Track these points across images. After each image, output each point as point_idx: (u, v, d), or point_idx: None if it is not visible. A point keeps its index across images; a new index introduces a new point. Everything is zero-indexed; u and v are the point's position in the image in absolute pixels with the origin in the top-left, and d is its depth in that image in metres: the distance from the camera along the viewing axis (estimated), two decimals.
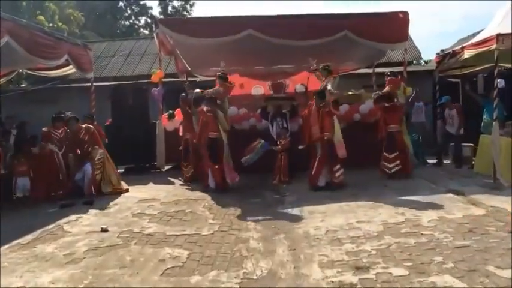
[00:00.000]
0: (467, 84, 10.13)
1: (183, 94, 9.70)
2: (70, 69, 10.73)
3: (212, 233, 5.37)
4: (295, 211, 6.40)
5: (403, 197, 6.79)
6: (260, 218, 6.05)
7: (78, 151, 7.99)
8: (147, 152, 10.84)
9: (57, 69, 10.73)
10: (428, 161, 10.37)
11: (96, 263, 4.44)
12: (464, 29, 67.99)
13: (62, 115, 8.30)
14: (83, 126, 8.26)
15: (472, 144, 10.53)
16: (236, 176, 7.94)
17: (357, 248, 4.63)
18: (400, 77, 9.91)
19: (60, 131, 8.14)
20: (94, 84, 11.87)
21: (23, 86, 18.99)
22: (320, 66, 9.22)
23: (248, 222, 5.85)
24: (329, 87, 8.56)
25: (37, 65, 9.77)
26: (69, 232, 5.46)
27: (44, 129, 8.26)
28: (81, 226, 5.73)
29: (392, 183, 7.99)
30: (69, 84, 16.14)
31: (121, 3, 35.37)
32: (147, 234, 5.29)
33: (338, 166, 7.84)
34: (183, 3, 35.45)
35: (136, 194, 7.83)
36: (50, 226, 5.71)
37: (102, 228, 5.42)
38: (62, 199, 7.28)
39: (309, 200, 7.06)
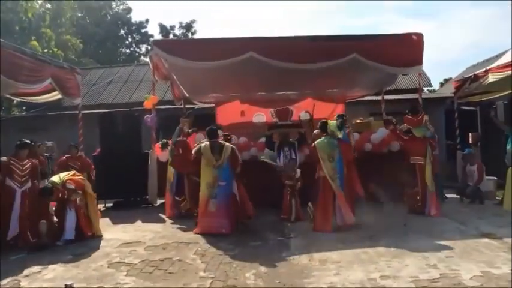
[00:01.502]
0: (491, 111, 9.21)
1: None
2: (57, 95, 9.89)
3: None
4: (303, 259, 5.39)
5: (430, 242, 5.78)
6: (262, 269, 5.03)
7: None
8: (138, 185, 9.87)
9: (42, 94, 9.93)
10: (447, 195, 9.36)
11: None
12: (465, 58, 67.96)
13: (29, 142, 6.96)
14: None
15: (495, 178, 9.60)
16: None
17: None
18: (421, 115, 8.44)
19: (24, 162, 6.63)
20: (83, 111, 11.18)
21: (14, 113, 18.29)
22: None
23: (247, 275, 4.83)
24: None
25: (18, 90, 8.89)
26: None
27: (4, 158, 6.92)
28: (42, 281, 4.71)
29: (413, 222, 6.98)
30: (61, 111, 15.38)
31: (122, 31, 35.16)
32: None
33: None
34: (185, 31, 35.18)
35: (119, 235, 6.83)
36: (5, 282, 4.69)
37: (65, 285, 4.40)
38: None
39: (319, 243, 6.05)
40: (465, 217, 7.34)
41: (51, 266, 5.24)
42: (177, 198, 8.36)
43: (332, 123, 7.41)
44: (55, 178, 6.71)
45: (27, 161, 6.60)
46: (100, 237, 6.76)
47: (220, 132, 9.11)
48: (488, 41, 66.26)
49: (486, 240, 5.81)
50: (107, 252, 5.86)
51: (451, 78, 28.24)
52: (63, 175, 6.78)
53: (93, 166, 9.29)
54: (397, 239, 5.97)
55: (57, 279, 4.74)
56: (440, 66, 65.72)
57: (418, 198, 7.72)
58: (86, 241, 6.45)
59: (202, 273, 4.89)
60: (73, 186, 6.63)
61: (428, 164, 7.81)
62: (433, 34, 62.32)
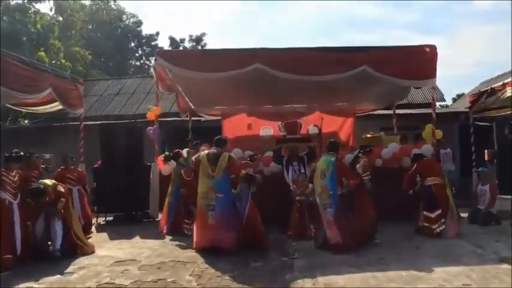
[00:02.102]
0: (507, 129, 8.77)
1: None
2: (58, 105, 9.65)
3: None
4: (306, 283, 4.98)
5: (445, 267, 5.33)
6: None
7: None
8: (139, 199, 9.55)
9: (43, 104, 9.72)
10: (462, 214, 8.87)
11: None
12: (476, 75, 67.30)
13: (19, 153, 6.70)
14: None
15: None
16: None
17: None
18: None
19: (13, 173, 6.31)
20: (86, 123, 10.99)
21: (21, 124, 18.17)
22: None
23: None
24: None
25: (16, 100, 8.65)
26: None
27: None
28: None
29: (426, 245, 6.56)
30: (67, 122, 15.19)
31: (132, 44, 35.29)
32: None
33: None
34: (195, 44, 35.18)
35: (114, 253, 6.49)
36: None
37: None
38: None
39: (324, 264, 5.64)
40: (482, 240, 6.85)
41: (36, 287, 4.91)
42: (186, 221, 7.82)
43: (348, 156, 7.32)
44: (46, 181, 6.55)
45: (15, 172, 6.31)
46: (88, 254, 6.45)
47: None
48: (499, 58, 65.72)
49: (506, 266, 5.35)
50: (98, 271, 5.51)
51: (463, 93, 27.76)
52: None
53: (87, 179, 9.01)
54: (409, 263, 5.53)
55: None
56: (452, 82, 65.14)
57: (440, 223, 7.17)
58: (77, 258, 6.12)
59: None
60: (63, 190, 6.52)
61: (448, 185, 7.40)
62: (444, 50, 61.92)
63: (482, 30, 69.89)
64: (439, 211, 7.18)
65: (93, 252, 6.54)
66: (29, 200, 6.29)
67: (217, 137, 7.15)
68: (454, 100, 29.20)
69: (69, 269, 5.64)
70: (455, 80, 63.50)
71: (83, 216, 8.09)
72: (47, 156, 9.19)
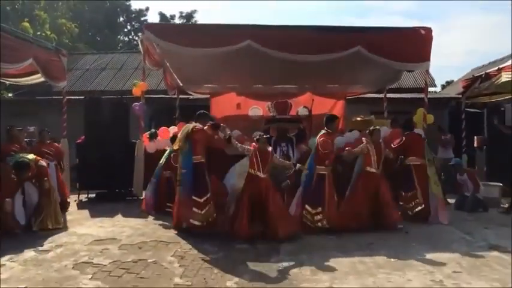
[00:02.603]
0: (495, 118, 8.61)
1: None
2: (40, 77, 9.26)
3: None
4: (293, 267, 4.81)
5: (434, 253, 5.21)
6: (246, 277, 4.46)
7: None
8: (123, 176, 9.30)
9: (25, 76, 9.33)
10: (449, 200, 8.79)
11: None
12: (466, 63, 67.42)
13: None
14: None
15: (501, 184, 9.07)
16: None
17: None
18: None
19: None
20: (71, 97, 10.63)
21: (5, 96, 17.62)
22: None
23: (228, 283, 4.27)
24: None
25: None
26: None
27: None
28: None
29: (415, 230, 6.45)
30: (51, 96, 14.72)
31: (121, 19, 34.44)
32: None
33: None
34: (185, 21, 34.44)
35: (94, 231, 6.27)
36: None
37: None
38: None
39: (312, 249, 5.49)
40: (471, 226, 6.76)
41: (9, 264, 4.67)
42: (168, 204, 7.36)
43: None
44: (28, 156, 6.41)
45: None
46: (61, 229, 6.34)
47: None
48: (490, 47, 65.86)
49: (496, 253, 5.25)
50: (76, 249, 5.29)
51: (453, 80, 27.70)
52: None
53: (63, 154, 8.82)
54: (399, 249, 5.42)
55: (11, 281, 4.16)
56: (442, 70, 65.11)
57: (415, 202, 7.19)
58: (55, 235, 5.90)
59: (177, 280, 4.32)
60: (45, 164, 6.47)
61: (430, 165, 7.28)
62: (436, 38, 61.66)
63: (477, 20, 69.82)
64: (414, 191, 7.21)
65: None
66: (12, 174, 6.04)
67: (199, 111, 6.76)
68: (443, 87, 29.18)
69: (46, 246, 5.42)
70: (444, 67, 63.60)
71: (59, 193, 7.85)
72: (31, 129, 8.89)
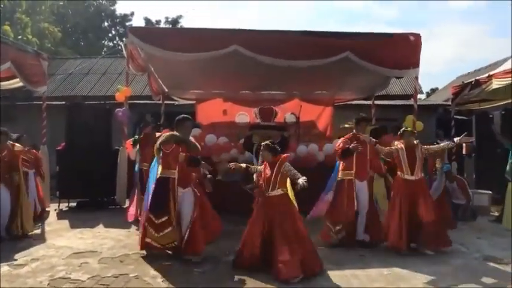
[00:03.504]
0: (492, 124, 8.50)
1: None
2: (19, 82, 8.93)
3: None
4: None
5: (429, 266, 5.04)
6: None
7: None
8: (106, 184, 9.00)
9: (3, 80, 8.97)
10: None
11: None
12: (449, 71, 68.28)
13: None
14: None
15: (490, 192, 9.01)
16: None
17: None
18: None
19: None
20: (52, 102, 10.30)
21: None
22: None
23: None
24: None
25: None
26: None
27: None
28: None
29: None
30: (31, 102, 14.32)
31: (105, 24, 34.01)
32: None
33: None
34: (171, 26, 34.14)
35: (73, 243, 5.97)
36: None
37: None
38: None
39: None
40: (463, 236, 6.60)
41: None
42: None
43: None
44: None
45: None
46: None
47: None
48: (473, 56, 66.86)
49: (492, 264, 5.11)
50: (53, 263, 4.99)
51: (437, 88, 27.94)
52: None
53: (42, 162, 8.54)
54: (391, 261, 5.23)
55: None
56: (425, 77, 66.04)
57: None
58: (32, 248, 5.59)
59: None
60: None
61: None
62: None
63: (458, 29, 70.95)
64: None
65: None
66: None
67: (178, 116, 5.82)
68: (428, 94, 29.40)
69: (20, 260, 5.11)
70: (428, 75, 64.44)
71: (38, 203, 7.60)
72: (14, 136, 8.52)
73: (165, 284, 4.41)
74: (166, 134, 5.51)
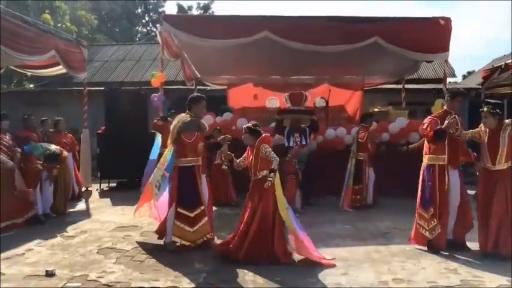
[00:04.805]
0: None
1: None
2: (61, 69, 9.49)
3: None
4: None
5: (449, 242, 5.24)
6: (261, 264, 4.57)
7: None
8: (143, 165, 9.50)
9: (47, 67, 9.56)
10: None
11: None
12: (488, 53, 65.72)
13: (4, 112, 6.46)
14: None
15: None
16: None
17: None
18: None
19: (7, 137, 6.24)
20: (91, 88, 10.84)
21: (27, 87, 18.04)
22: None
23: (245, 271, 4.39)
24: None
25: (18, 61, 8.49)
26: (3, 275, 4.09)
27: None
28: (24, 265, 4.35)
29: None
30: (71, 87, 15.03)
31: (139, 10, 34.68)
32: (103, 285, 3.88)
33: None
34: (202, 12, 34.53)
35: (116, 218, 6.50)
36: None
37: (47, 271, 4.04)
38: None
39: (326, 237, 5.60)
40: None
41: (36, 248, 4.90)
42: None
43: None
44: (51, 146, 6.61)
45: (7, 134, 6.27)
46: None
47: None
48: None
49: None
50: (99, 236, 5.51)
51: (474, 71, 27.24)
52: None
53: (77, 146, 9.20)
54: None
55: (39, 264, 4.38)
56: (462, 60, 63.80)
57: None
58: (79, 222, 6.13)
59: (197, 265, 4.48)
60: (66, 155, 6.83)
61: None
62: (456, 27, 60.41)
63: (500, 6, 68.10)
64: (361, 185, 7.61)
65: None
66: (41, 164, 6.24)
67: (192, 95, 5.56)
68: (464, 77, 28.75)
69: (71, 232, 5.66)
70: (466, 57, 62.37)
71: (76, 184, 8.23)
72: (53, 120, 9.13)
73: (200, 255, 4.80)
74: (183, 119, 5.02)
